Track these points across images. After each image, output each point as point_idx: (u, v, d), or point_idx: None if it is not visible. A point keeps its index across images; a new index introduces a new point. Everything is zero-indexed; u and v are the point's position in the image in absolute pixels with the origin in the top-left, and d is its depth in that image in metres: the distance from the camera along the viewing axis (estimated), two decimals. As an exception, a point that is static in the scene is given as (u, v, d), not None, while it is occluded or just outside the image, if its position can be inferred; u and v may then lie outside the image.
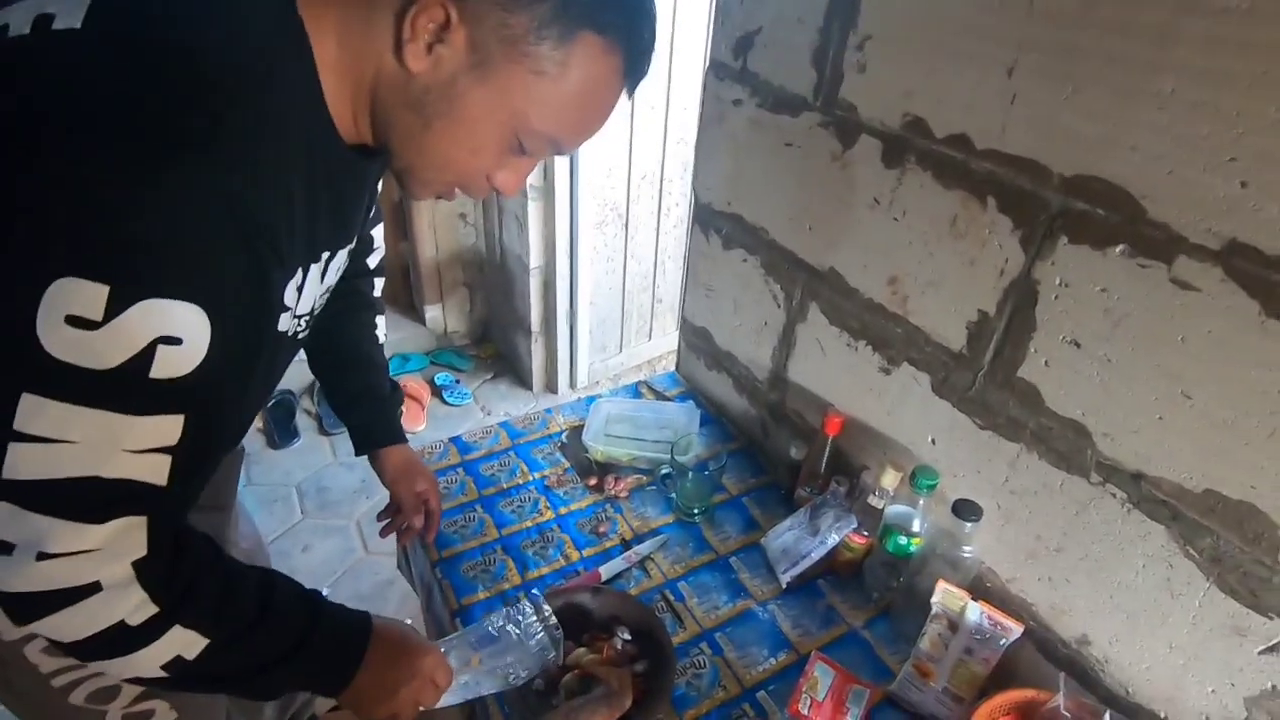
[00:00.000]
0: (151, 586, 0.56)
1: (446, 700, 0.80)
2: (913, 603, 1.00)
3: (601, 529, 1.18)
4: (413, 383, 2.48)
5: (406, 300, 2.78)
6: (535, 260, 2.29)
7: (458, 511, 1.19)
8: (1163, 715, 0.83)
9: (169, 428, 0.52)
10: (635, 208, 2.33)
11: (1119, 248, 0.75)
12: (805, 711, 0.91)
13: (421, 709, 0.78)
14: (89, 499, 0.51)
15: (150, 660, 0.58)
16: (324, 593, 1.87)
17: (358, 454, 1.06)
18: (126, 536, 0.54)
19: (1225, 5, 0.62)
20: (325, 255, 0.67)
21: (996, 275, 0.87)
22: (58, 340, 0.46)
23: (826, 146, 1.06)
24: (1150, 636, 0.82)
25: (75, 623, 0.54)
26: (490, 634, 0.84)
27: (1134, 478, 0.79)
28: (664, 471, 1.21)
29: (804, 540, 1.11)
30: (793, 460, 1.23)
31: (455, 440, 1.34)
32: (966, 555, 0.96)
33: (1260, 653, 0.72)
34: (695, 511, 1.20)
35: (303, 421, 2.33)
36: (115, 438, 0.50)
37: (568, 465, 1.30)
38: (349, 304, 0.97)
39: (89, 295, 0.45)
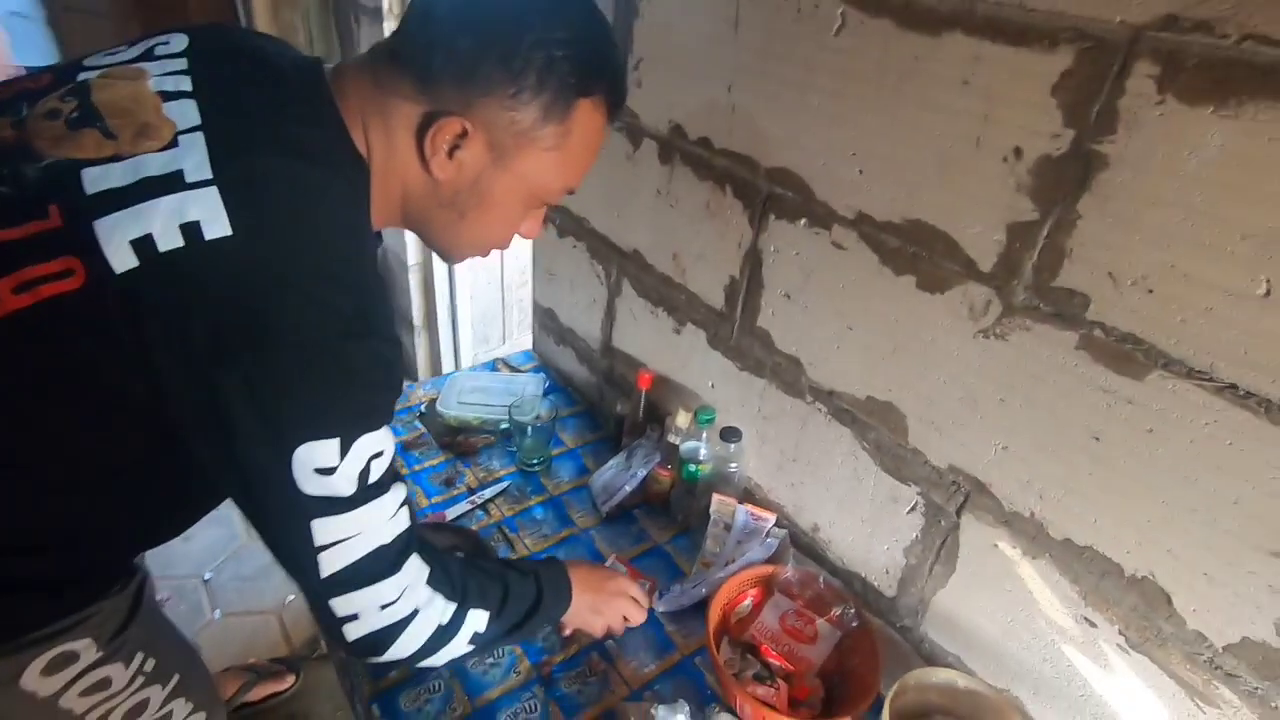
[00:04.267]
0: (444, 589, 0.73)
1: None
2: (704, 518, 1.23)
3: (451, 480, 1.35)
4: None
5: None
6: (413, 258, 2.42)
7: (319, 473, 1.33)
8: (863, 574, 1.09)
9: (398, 495, 0.67)
10: (507, 207, 2.50)
11: (802, 221, 1.00)
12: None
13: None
14: (385, 560, 0.66)
15: (460, 642, 0.76)
16: (207, 578, 1.95)
17: None
18: (414, 568, 0.70)
19: (837, 45, 0.87)
20: None
21: (737, 247, 1.12)
22: (313, 485, 0.59)
23: (622, 148, 1.29)
24: (850, 515, 1.08)
25: (411, 640, 0.71)
26: None
27: (829, 394, 1.05)
28: (503, 427, 1.40)
29: (620, 476, 1.32)
30: (619, 415, 1.45)
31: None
32: (733, 471, 1.20)
33: (907, 513, 0.98)
34: (535, 463, 1.39)
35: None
36: (377, 517, 0.64)
37: (424, 431, 1.47)
38: None
39: (327, 450, 0.59)
